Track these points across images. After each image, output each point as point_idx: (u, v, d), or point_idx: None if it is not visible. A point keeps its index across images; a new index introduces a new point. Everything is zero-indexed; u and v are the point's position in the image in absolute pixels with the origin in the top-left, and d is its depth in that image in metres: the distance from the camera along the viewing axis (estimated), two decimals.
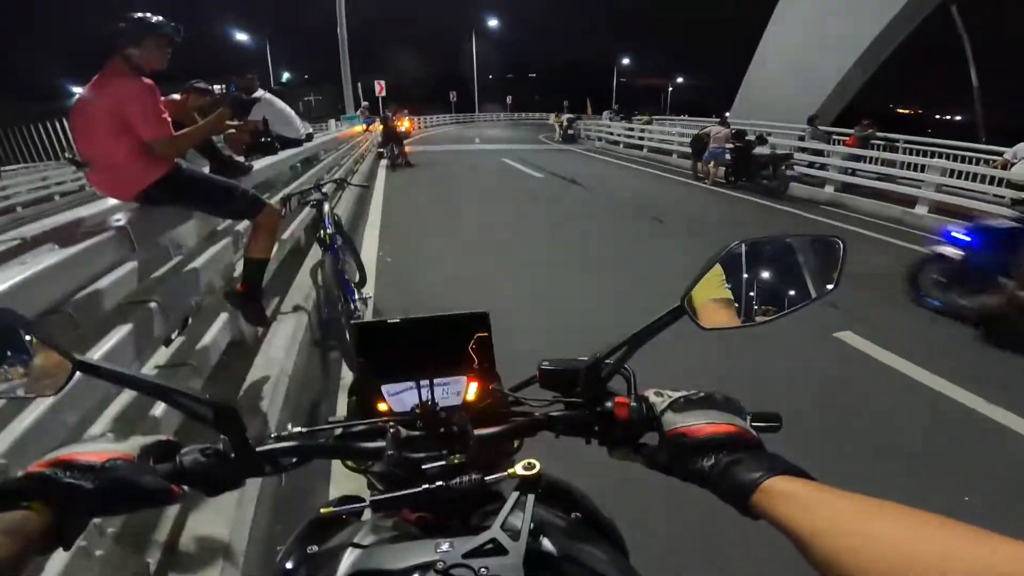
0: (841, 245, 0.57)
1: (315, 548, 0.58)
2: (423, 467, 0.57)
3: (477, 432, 0.60)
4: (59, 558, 1.18)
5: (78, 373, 0.51)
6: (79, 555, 1.24)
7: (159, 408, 1.86)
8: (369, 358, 0.65)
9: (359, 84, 22.38)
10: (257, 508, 1.86)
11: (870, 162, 9.22)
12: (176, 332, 2.46)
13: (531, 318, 3.75)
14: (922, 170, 8.03)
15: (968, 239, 3.57)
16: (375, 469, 0.64)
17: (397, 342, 0.64)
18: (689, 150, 11.46)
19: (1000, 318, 3.38)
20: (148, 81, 2.16)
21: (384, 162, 13.95)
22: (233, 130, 3.92)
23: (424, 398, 0.62)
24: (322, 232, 3.24)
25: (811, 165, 10.08)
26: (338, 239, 3.33)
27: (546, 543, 0.50)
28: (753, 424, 0.54)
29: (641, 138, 15.87)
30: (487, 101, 48.96)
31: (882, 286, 4.27)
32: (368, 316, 3.64)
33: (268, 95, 4.96)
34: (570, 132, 20.53)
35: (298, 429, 0.62)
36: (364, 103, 19.27)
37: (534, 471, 0.51)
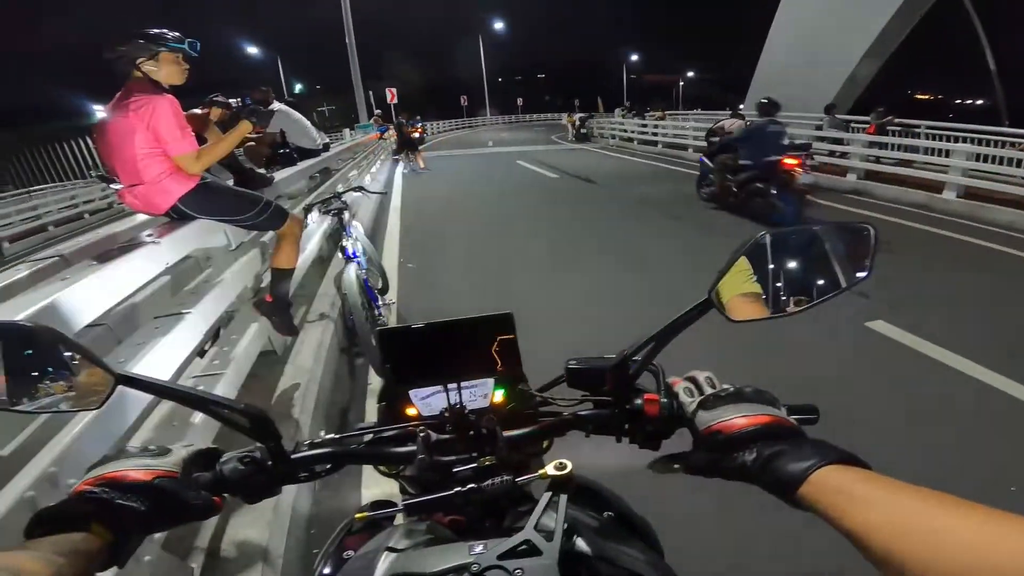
0: (872, 232, 0.56)
1: (351, 553, 0.59)
2: (454, 470, 0.57)
3: (506, 434, 0.60)
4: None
5: (119, 387, 0.53)
6: (129, 562, 1.27)
7: (197, 414, 1.90)
8: (396, 363, 0.65)
9: (371, 92, 22.65)
10: (293, 513, 1.89)
11: (892, 149, 9.01)
12: (209, 343, 2.51)
13: (553, 318, 3.74)
14: (946, 155, 7.82)
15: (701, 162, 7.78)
16: (407, 473, 0.65)
17: (423, 346, 0.64)
18: (705, 144, 11.29)
19: (718, 197, 7.13)
20: (171, 97, 2.19)
21: (400, 168, 14.09)
22: (252, 142, 3.99)
23: (452, 401, 0.63)
24: (344, 240, 3.28)
25: (831, 154, 9.85)
26: (360, 246, 3.37)
27: (580, 543, 0.50)
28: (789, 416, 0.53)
29: (655, 134, 15.73)
30: (498, 104, 49.27)
31: (912, 273, 4.16)
32: (392, 322, 3.67)
33: (284, 106, 5.04)
34: (583, 131, 20.47)
35: (331, 436, 0.62)
36: (377, 111, 19.49)
37: (566, 471, 0.51)
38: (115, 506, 0.48)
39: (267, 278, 2.89)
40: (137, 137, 2.12)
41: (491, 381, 0.66)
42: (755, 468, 0.47)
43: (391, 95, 22.92)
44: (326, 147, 5.85)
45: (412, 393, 0.67)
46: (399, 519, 0.63)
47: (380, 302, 3.40)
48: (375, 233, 6.71)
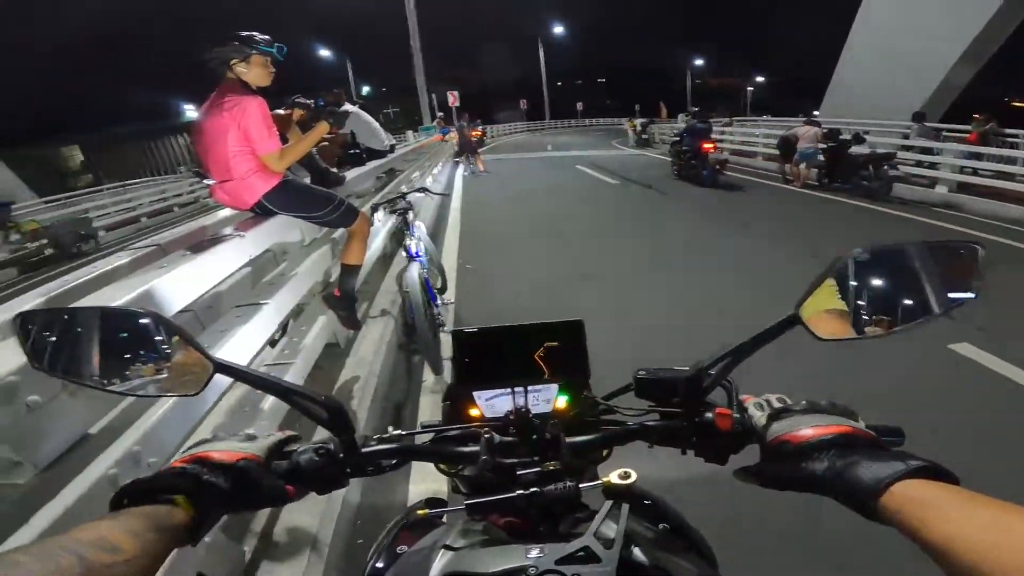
0: (980, 250, 0.51)
1: (404, 548, 0.60)
2: (518, 473, 0.58)
3: (568, 440, 0.60)
4: None
5: (217, 374, 0.55)
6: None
7: (265, 401, 1.98)
8: (465, 364, 0.66)
9: (433, 95, 23.25)
10: (343, 504, 1.94)
11: (991, 160, 8.21)
12: (279, 333, 2.64)
13: (612, 326, 3.66)
14: None
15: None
16: (466, 472, 0.66)
17: (493, 349, 0.65)
18: (775, 151, 10.79)
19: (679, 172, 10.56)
20: (260, 98, 2.32)
21: (461, 170, 14.35)
22: (326, 143, 4.17)
23: (518, 405, 0.63)
24: (408, 240, 3.36)
25: (919, 164, 9.11)
26: (422, 246, 3.44)
27: (637, 553, 0.49)
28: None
29: (721, 140, 15.17)
30: (557, 108, 49.01)
31: (1004, 293, 3.74)
32: (450, 321, 3.72)
33: (355, 108, 5.25)
34: (644, 136, 20.09)
35: (398, 432, 0.63)
36: (440, 114, 19.98)
37: (630, 480, 0.51)
38: (202, 482, 0.50)
39: (335, 273, 3.01)
40: (230, 136, 2.26)
41: (555, 386, 0.67)
42: (828, 478, 0.45)
43: (453, 98, 23.43)
44: (392, 148, 6.05)
45: (477, 394, 0.68)
46: (448, 517, 0.63)
47: (439, 302, 3.46)
48: (435, 234, 6.85)
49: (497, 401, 0.67)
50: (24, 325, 0.53)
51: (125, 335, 0.55)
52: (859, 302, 0.52)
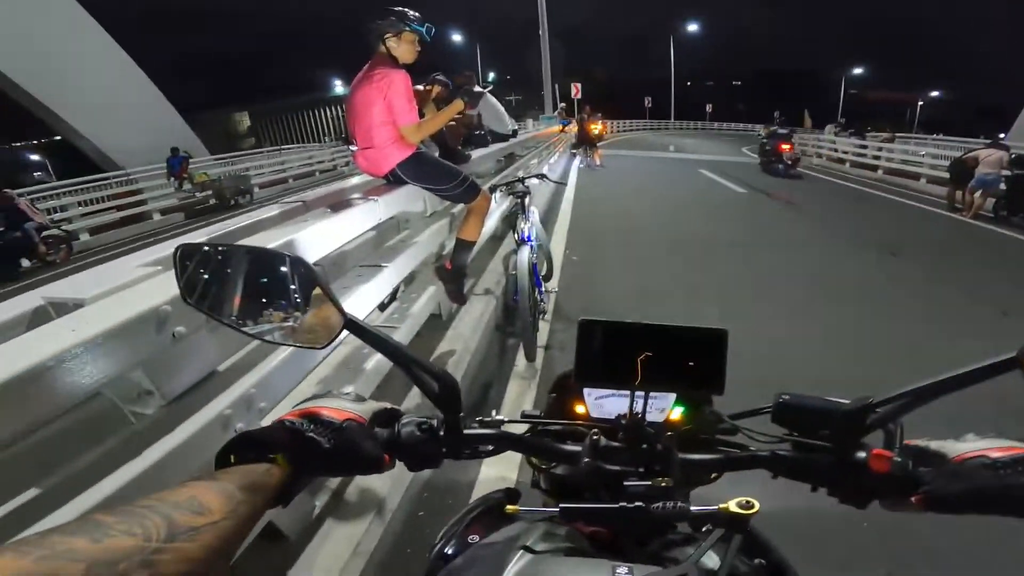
0: None
1: (476, 538, 0.57)
2: (624, 483, 0.53)
3: (682, 456, 0.55)
4: None
5: (345, 331, 0.53)
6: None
7: (368, 362, 2.07)
8: (585, 357, 0.60)
9: (556, 85, 23.21)
10: (413, 477, 1.97)
11: None
12: (389, 298, 2.78)
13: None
14: None
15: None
16: (558, 471, 0.63)
17: (619, 345, 0.58)
18: (945, 175, 9.27)
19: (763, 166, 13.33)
20: (405, 72, 2.45)
21: (577, 162, 14.22)
22: (454, 122, 4.30)
23: (634, 409, 0.58)
24: (521, 223, 3.36)
25: None
26: (534, 231, 3.43)
27: None
28: None
29: (876, 157, 13.38)
30: (684, 108, 46.60)
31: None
32: (551, 310, 3.68)
33: (484, 91, 5.37)
34: None
35: (500, 417, 0.60)
36: (561, 104, 19.92)
37: (751, 511, 0.47)
38: (305, 439, 0.50)
39: (449, 246, 3.10)
40: (376, 107, 2.41)
41: (672, 396, 0.63)
42: None
43: (576, 90, 23.20)
44: (514, 133, 6.13)
45: (587, 391, 0.64)
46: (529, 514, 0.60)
47: (543, 288, 3.44)
48: (545, 221, 6.84)
49: (607, 401, 0.64)
50: (182, 257, 0.55)
51: (268, 278, 0.55)
52: None
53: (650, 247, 6.10)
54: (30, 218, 8.02)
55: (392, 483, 1.86)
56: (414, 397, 2.18)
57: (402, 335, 2.48)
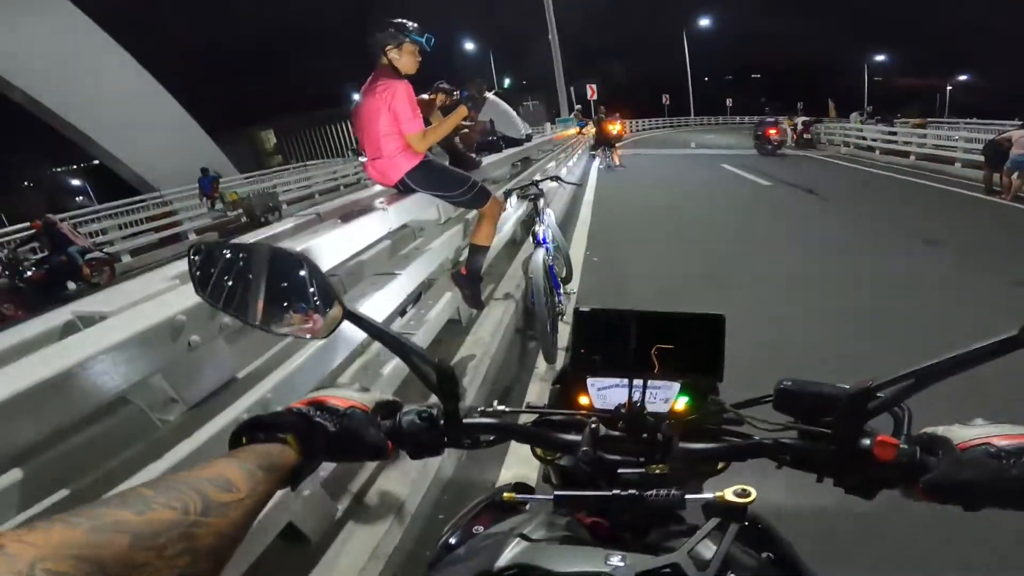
0: None
1: (480, 529, 0.58)
2: (619, 471, 0.54)
3: (683, 445, 0.55)
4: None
5: (345, 321, 0.57)
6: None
7: (386, 367, 2.12)
8: (583, 347, 0.60)
9: (571, 88, 23.16)
10: (435, 476, 2.00)
11: None
12: (411, 304, 2.83)
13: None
14: None
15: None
16: (562, 462, 0.63)
17: (616, 334, 0.58)
18: (980, 158, 8.89)
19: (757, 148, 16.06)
20: (407, 82, 2.51)
21: (596, 164, 14.15)
22: (466, 129, 4.36)
23: (633, 398, 0.58)
24: (537, 226, 3.37)
25: None
26: (550, 234, 3.43)
27: None
28: None
29: (908, 143, 12.90)
30: (703, 104, 45.93)
31: None
32: (569, 311, 3.67)
33: (494, 97, 5.42)
34: (806, 136, 17.91)
35: (501, 408, 0.61)
36: (577, 107, 19.88)
37: (747, 499, 0.46)
38: (314, 423, 0.52)
39: (466, 253, 3.13)
40: (381, 117, 2.47)
41: (676, 386, 0.63)
42: None
43: (591, 91, 23.10)
44: (529, 137, 6.15)
45: (590, 381, 0.65)
46: (532, 505, 0.61)
47: (562, 291, 3.44)
48: (565, 224, 6.82)
49: (610, 392, 0.64)
50: (195, 254, 0.61)
51: (272, 273, 0.60)
52: None
53: (670, 243, 6.03)
54: (72, 242, 8.42)
55: (412, 485, 1.88)
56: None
57: (419, 340, 2.51)
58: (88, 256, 8.55)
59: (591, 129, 15.31)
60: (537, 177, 4.71)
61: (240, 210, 12.73)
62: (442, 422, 0.58)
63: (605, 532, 0.55)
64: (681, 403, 0.64)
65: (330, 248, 1.85)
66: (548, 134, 11.95)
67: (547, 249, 3.17)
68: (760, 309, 3.85)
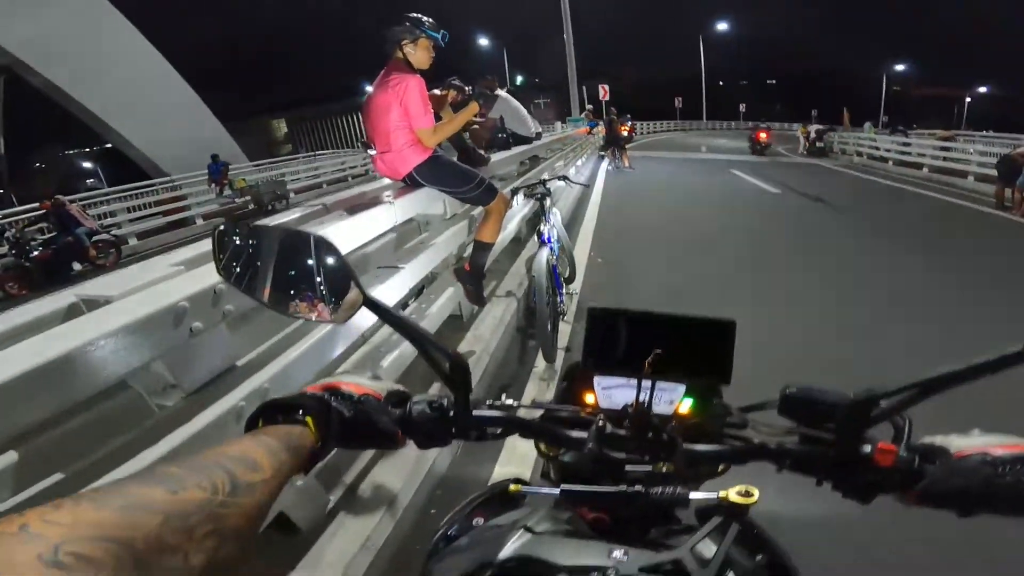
0: None
1: (480, 521, 0.59)
2: (626, 468, 0.55)
3: (687, 446, 0.55)
4: None
5: (363, 308, 0.56)
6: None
7: (388, 357, 2.12)
8: (593, 346, 0.61)
9: (583, 88, 23.07)
10: (429, 471, 2.00)
11: None
12: (413, 298, 2.83)
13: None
14: None
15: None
16: (565, 459, 0.64)
17: (627, 334, 0.60)
18: (992, 172, 8.83)
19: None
20: (419, 77, 2.51)
21: (605, 165, 14.10)
22: (477, 126, 4.36)
23: (641, 398, 0.58)
24: (542, 225, 3.37)
25: None
26: (555, 233, 3.43)
27: None
28: None
29: (922, 155, 12.77)
30: (716, 108, 45.59)
31: None
32: (572, 312, 3.67)
33: (505, 95, 5.41)
34: (819, 145, 17.79)
35: (510, 402, 0.61)
36: (588, 107, 19.83)
37: (750, 500, 0.47)
38: (330, 407, 0.53)
39: (470, 249, 3.14)
40: (392, 111, 2.47)
41: (682, 387, 0.64)
42: None
43: (604, 91, 23.00)
44: (539, 135, 6.15)
45: (597, 380, 0.66)
46: (534, 499, 0.62)
47: (564, 290, 3.43)
48: (571, 224, 6.80)
49: (616, 391, 0.65)
50: (220, 236, 0.60)
51: (294, 257, 0.59)
52: None
53: (674, 248, 5.99)
54: (81, 223, 8.49)
55: (405, 479, 1.89)
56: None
57: None
58: (95, 238, 8.62)
59: (601, 130, 15.25)
60: (545, 176, 4.71)
61: (248, 197, 12.78)
62: (451, 413, 0.58)
63: (607, 528, 0.56)
64: (686, 405, 0.64)
65: (335, 239, 1.84)
66: (558, 132, 11.94)
67: (552, 249, 3.17)
68: (759, 312, 3.83)
